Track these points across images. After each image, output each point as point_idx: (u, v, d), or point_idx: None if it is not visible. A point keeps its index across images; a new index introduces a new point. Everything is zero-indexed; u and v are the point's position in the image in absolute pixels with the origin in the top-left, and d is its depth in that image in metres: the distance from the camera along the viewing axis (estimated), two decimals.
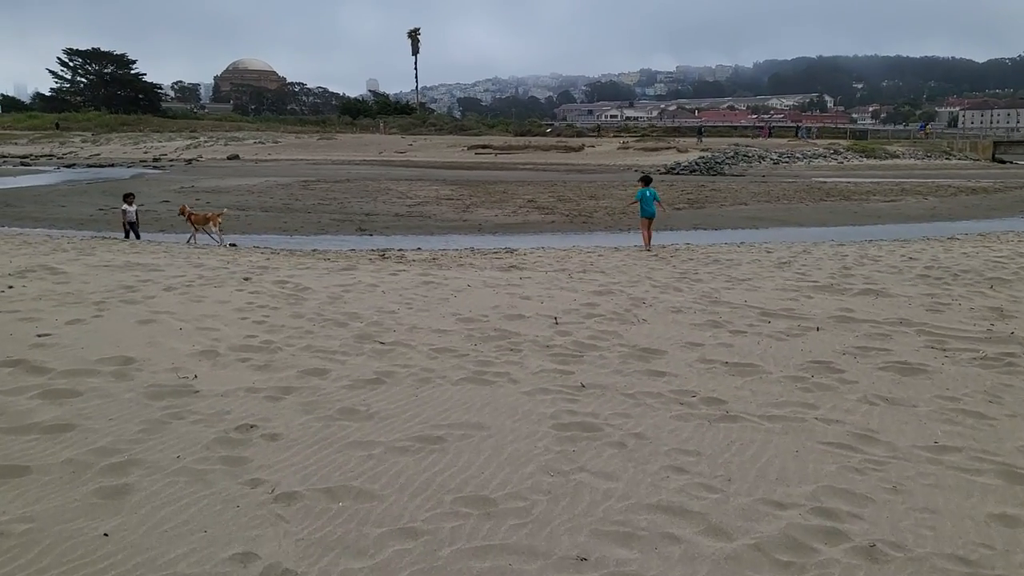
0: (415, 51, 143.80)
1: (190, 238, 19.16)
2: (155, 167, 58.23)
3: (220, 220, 19.20)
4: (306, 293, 9.28)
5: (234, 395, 5.68)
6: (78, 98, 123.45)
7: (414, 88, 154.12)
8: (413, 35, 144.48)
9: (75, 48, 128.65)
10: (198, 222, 19.17)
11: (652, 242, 18.43)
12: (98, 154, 69.92)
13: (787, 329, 7.82)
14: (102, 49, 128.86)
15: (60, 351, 6.69)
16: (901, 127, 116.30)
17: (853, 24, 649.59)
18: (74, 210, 29.44)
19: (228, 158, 66.52)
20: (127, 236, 19.70)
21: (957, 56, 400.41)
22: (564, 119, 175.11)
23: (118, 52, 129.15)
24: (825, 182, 45.01)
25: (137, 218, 20.42)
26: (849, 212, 30.71)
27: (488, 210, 29.54)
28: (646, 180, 19.40)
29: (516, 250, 17.37)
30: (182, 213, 19.58)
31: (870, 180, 47.06)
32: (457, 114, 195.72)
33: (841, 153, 69.44)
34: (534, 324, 8.01)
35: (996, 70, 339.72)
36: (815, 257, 15.17)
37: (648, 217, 18.40)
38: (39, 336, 7.15)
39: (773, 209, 31.02)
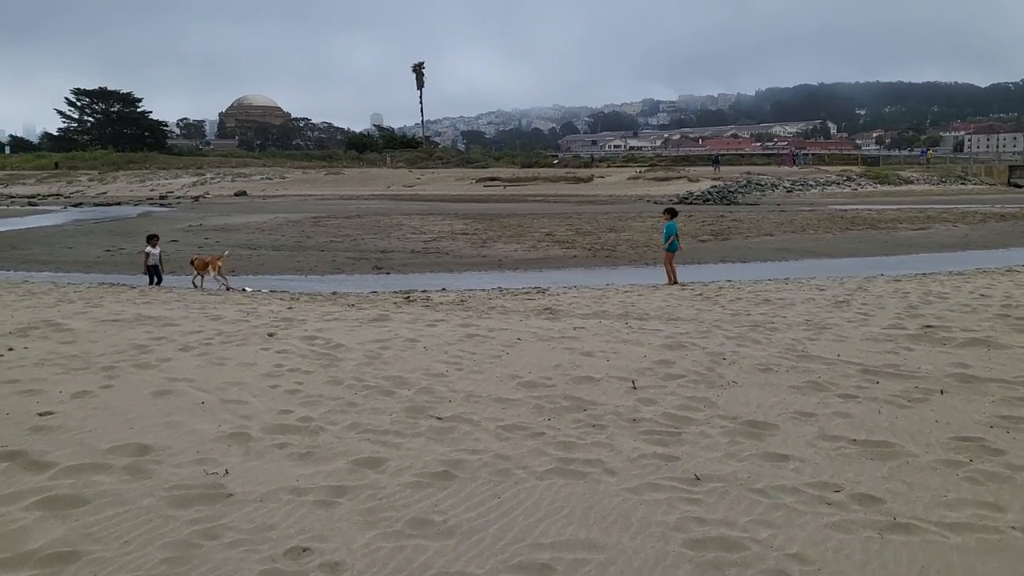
0: (420, 85, 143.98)
1: (194, 281, 18.32)
2: (162, 205, 57.68)
3: (220, 264, 18.35)
4: (340, 351, 8.24)
5: (276, 499, 4.62)
6: (85, 137, 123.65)
7: (418, 122, 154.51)
8: (418, 69, 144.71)
9: (83, 88, 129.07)
10: (199, 267, 18.32)
11: (678, 277, 17.71)
12: (105, 192, 69.43)
13: (904, 392, 6.74)
14: (108, 88, 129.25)
15: (64, 436, 5.65)
16: (907, 152, 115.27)
17: (853, 51, 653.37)
18: (80, 252, 28.59)
19: (235, 194, 65.96)
20: (151, 281, 18.74)
21: (960, 81, 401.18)
22: (568, 150, 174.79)
23: (124, 91, 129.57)
24: (845, 210, 44.07)
25: (161, 261, 19.55)
26: (879, 241, 29.76)
27: (506, 245, 28.66)
28: (672, 212, 18.50)
29: (547, 290, 16.40)
30: (192, 264, 18.73)
31: (889, 207, 46.11)
32: (461, 147, 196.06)
33: (854, 180, 68.72)
34: (608, 389, 6.95)
35: (999, 95, 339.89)
36: (874, 295, 14.11)
37: (675, 252, 17.68)
38: (40, 415, 6.12)
39: (799, 240, 30.09)
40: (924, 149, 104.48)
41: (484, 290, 17.10)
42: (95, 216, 47.07)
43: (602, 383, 7.09)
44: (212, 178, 77.03)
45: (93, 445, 5.44)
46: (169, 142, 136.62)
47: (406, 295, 15.71)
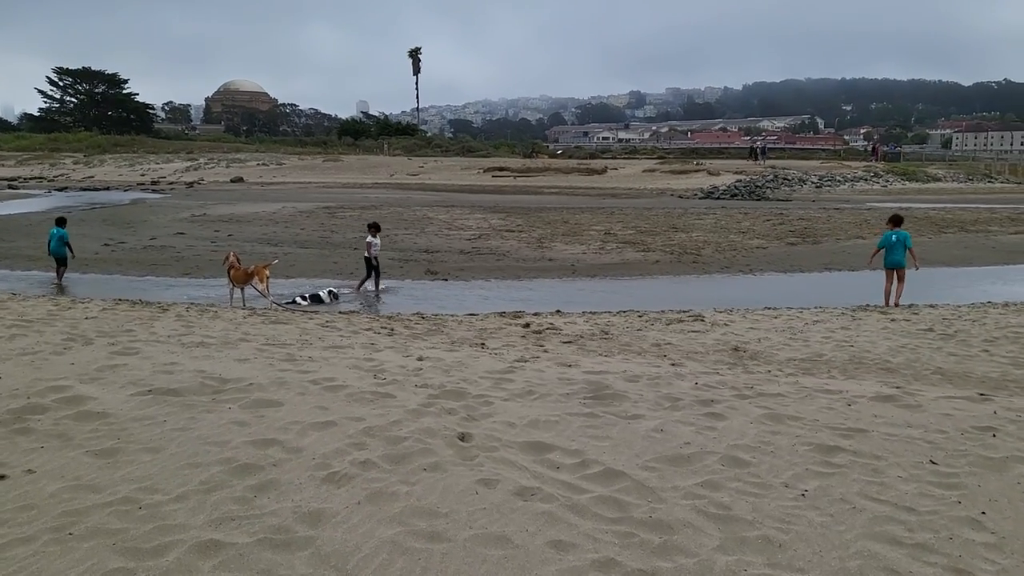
0: (416, 71, 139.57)
1: (231, 295, 14.30)
2: (154, 191, 53.30)
3: (267, 273, 14.29)
4: (625, 490, 4.33)
5: None
6: (68, 118, 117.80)
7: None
8: (414, 55, 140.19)
9: (66, 67, 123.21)
10: (238, 279, 14.22)
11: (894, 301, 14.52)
12: (92, 176, 64.91)
13: None
14: (92, 68, 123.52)
15: None
16: (892, 148, 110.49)
17: (840, 48, 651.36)
18: (74, 245, 24.35)
19: (232, 181, 61.70)
20: (370, 274, 16.84)
21: (944, 80, 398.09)
22: (557, 140, 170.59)
23: (109, 71, 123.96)
24: (906, 209, 40.27)
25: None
26: (985, 247, 26.28)
27: (567, 245, 24.83)
28: (895, 220, 15.10)
29: (703, 315, 12.59)
30: (226, 261, 14.58)
31: (942, 206, 42.57)
32: (449, 135, 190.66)
33: (882, 176, 65.42)
34: None
35: (983, 94, 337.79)
36: None
37: (894, 267, 14.23)
38: None
39: None
40: (892, 145, 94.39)
41: (613, 313, 13.26)
42: (83, 202, 42.74)
43: None
44: (206, 163, 72.48)
45: None
46: (155, 126, 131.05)
47: (523, 322, 11.91)
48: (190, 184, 58.79)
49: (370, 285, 17.17)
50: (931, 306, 13.42)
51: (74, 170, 69.63)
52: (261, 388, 6.33)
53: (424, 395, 6.25)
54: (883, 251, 14.92)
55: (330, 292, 15.48)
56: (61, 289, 17.18)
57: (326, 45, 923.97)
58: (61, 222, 18.81)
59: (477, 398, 6.19)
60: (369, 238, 17.24)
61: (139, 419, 5.50)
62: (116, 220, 32.35)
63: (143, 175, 65.85)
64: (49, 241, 18.40)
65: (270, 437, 5.15)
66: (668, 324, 11.77)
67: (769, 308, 13.58)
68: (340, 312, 12.65)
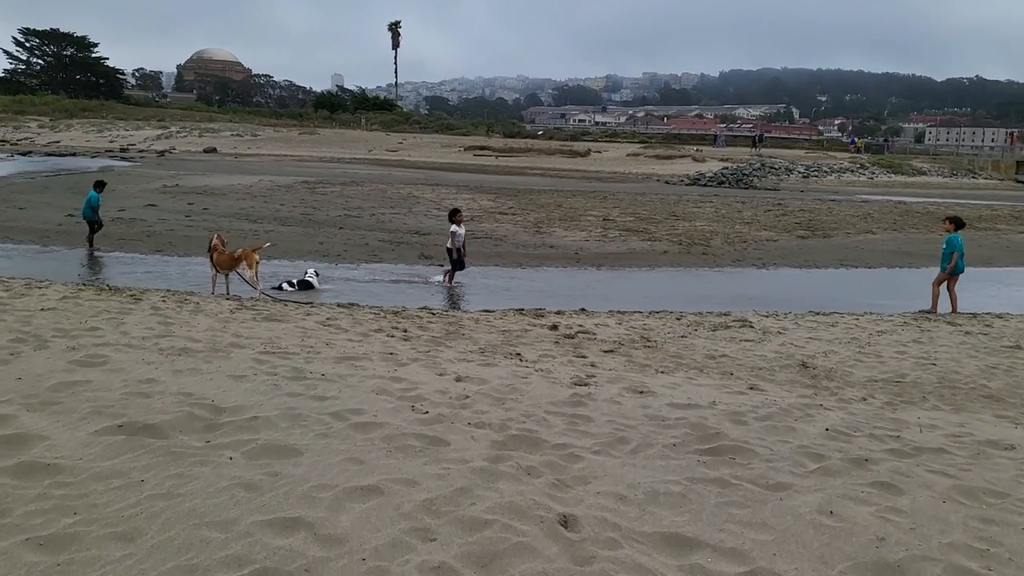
0: (395, 45, 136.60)
1: (214, 280, 12.46)
2: (123, 158, 50.91)
3: (258, 258, 12.41)
4: None
5: None
6: (34, 80, 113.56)
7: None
8: (394, 28, 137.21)
9: (32, 28, 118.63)
10: (222, 265, 12.30)
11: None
12: (57, 141, 62.20)
13: None
14: (61, 30, 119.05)
15: None
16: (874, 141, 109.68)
17: (813, 38, 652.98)
18: (35, 214, 22.63)
19: (205, 151, 59.46)
20: (456, 266, 14.96)
21: (917, 74, 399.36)
22: (533, 121, 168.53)
23: (78, 34, 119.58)
24: (905, 203, 39.44)
25: (464, 245, 15.40)
26: (999, 247, 25.55)
27: (566, 231, 23.44)
28: (958, 223, 13.62)
29: (748, 320, 11.24)
30: (211, 256, 12.58)
31: (935, 200, 41.78)
32: (425, 112, 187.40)
33: (868, 168, 64.83)
34: None
35: (954, 89, 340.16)
36: None
37: (959, 273, 12.92)
38: None
39: (910, 240, 25.32)
40: (853, 139, 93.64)
41: (644, 314, 11.83)
42: (48, 167, 40.39)
43: None
44: (178, 132, 69.89)
45: None
46: (125, 92, 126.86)
47: (548, 322, 10.52)
48: (161, 153, 56.44)
49: (438, 276, 15.54)
50: (999, 316, 12.10)
51: (39, 134, 66.79)
52: (269, 425, 4.80)
53: (486, 442, 4.74)
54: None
55: (315, 272, 13.96)
56: (91, 252, 17.30)
57: (298, 16, 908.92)
58: (98, 185, 18.82)
59: (558, 449, 4.70)
60: (453, 227, 15.04)
61: (105, 477, 3.95)
62: (83, 188, 30.06)
63: (112, 142, 63.28)
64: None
65: (293, 514, 3.62)
66: (714, 330, 10.40)
67: (819, 312, 12.25)
68: (339, 305, 11.02)
